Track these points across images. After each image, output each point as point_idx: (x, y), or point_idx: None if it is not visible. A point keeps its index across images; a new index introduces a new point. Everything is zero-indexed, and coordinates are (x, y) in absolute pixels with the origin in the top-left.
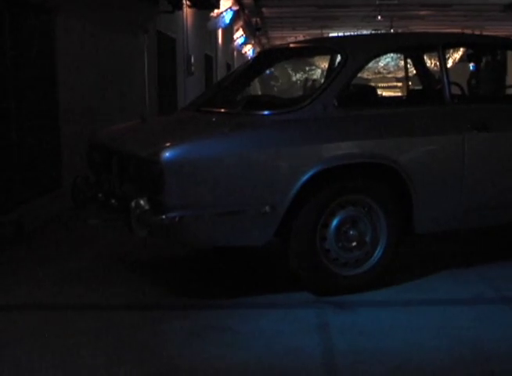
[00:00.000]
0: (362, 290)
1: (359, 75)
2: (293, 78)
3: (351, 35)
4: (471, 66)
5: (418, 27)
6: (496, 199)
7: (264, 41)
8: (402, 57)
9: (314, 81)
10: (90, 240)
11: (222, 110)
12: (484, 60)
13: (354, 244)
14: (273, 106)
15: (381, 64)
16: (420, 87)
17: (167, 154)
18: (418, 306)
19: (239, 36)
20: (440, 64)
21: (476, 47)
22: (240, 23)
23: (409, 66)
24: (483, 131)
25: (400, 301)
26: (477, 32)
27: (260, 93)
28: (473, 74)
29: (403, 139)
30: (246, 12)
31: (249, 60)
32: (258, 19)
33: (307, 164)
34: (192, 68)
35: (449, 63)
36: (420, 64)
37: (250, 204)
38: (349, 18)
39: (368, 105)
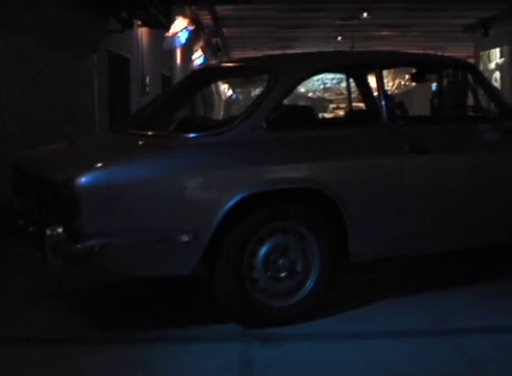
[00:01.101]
0: (293, 322)
1: (310, 95)
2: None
3: (283, 54)
4: (434, 86)
5: (380, 48)
6: (436, 224)
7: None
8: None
9: None
10: (7, 267)
11: (149, 133)
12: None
13: (284, 273)
14: (202, 129)
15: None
16: (358, 108)
17: (82, 179)
18: (351, 339)
19: (198, 56)
20: (377, 84)
21: (419, 66)
22: (201, 43)
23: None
24: (422, 153)
25: (332, 334)
26: (439, 52)
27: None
28: (435, 94)
29: (335, 163)
30: (206, 32)
31: (181, 80)
32: (219, 40)
33: (231, 190)
34: (147, 88)
35: (412, 84)
36: (359, 84)
37: (172, 232)
38: (310, 38)
39: (300, 127)
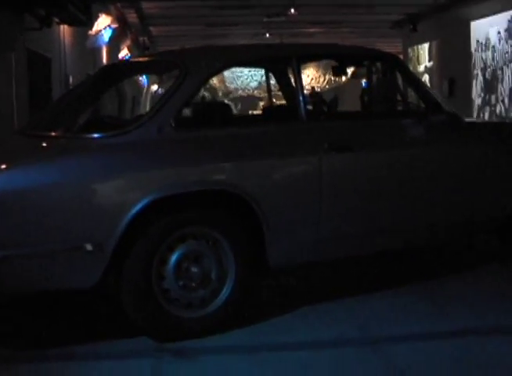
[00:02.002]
0: (208, 333)
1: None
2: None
3: (195, 47)
4: (363, 82)
5: None
6: (362, 227)
7: None
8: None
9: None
10: None
11: (51, 134)
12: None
13: (197, 282)
14: (107, 129)
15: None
16: (276, 104)
17: None
18: (271, 352)
19: (123, 55)
20: (294, 78)
21: (340, 59)
22: (128, 42)
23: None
24: (344, 151)
25: (250, 347)
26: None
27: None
28: (364, 90)
29: (250, 163)
30: (133, 30)
31: (89, 77)
32: (146, 39)
33: (135, 195)
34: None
35: (343, 79)
36: (278, 78)
37: (71, 242)
38: (239, 36)
39: (212, 125)
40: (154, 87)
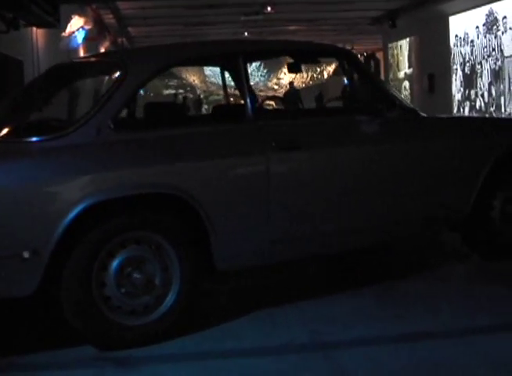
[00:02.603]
0: (152, 342)
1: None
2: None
3: (139, 48)
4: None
5: None
6: (314, 227)
7: None
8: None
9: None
10: None
11: None
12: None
13: (140, 288)
14: (46, 131)
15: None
16: (225, 103)
17: None
18: (216, 359)
19: None
20: (240, 75)
21: (292, 55)
22: (106, 43)
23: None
24: (292, 150)
25: (196, 354)
26: (348, 46)
27: None
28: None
29: (193, 164)
30: (111, 32)
31: (36, 78)
32: (124, 40)
33: (73, 199)
34: None
35: (324, 76)
36: (230, 76)
37: (8, 250)
38: (218, 35)
39: (154, 126)
40: (97, 88)
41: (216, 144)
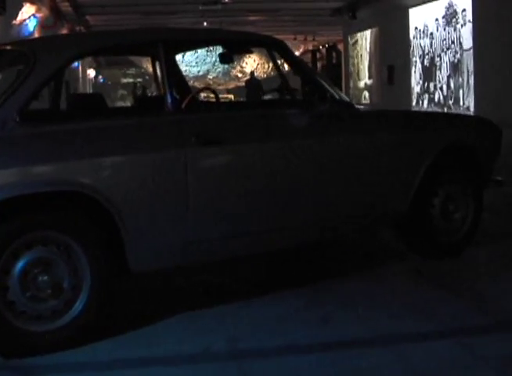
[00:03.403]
0: (62, 348)
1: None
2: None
3: (49, 36)
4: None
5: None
6: (236, 226)
7: None
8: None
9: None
10: None
11: None
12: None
13: (48, 292)
14: None
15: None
16: (147, 94)
17: None
18: (125, 369)
19: None
20: (160, 66)
21: (219, 44)
22: (64, 31)
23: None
24: (213, 144)
25: (106, 363)
26: (309, 37)
27: None
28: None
29: (104, 160)
30: (68, 20)
31: None
32: (83, 28)
33: None
34: None
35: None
36: (153, 66)
37: None
38: (178, 25)
39: (65, 119)
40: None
41: (132, 138)
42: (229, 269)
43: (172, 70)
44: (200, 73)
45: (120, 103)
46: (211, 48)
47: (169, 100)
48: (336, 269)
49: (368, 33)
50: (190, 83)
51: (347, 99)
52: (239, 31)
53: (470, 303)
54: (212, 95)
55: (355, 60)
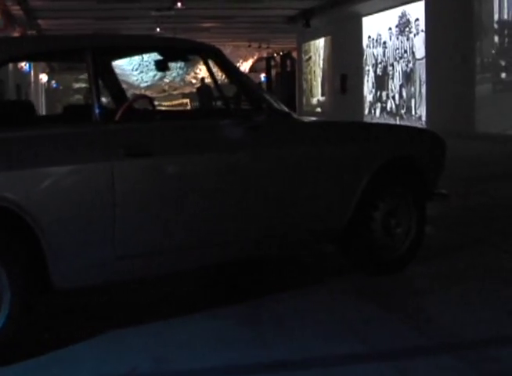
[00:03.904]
0: None
1: None
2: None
3: None
4: (263, 76)
5: (202, 40)
6: (167, 241)
7: None
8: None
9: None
10: None
11: None
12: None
13: None
14: None
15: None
16: (76, 103)
17: None
18: None
19: None
20: (88, 73)
21: (148, 51)
22: (16, 35)
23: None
24: (142, 156)
25: None
26: (264, 45)
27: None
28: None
29: (25, 172)
30: (19, 24)
31: None
32: (35, 33)
33: None
34: None
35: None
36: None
37: None
38: (132, 30)
39: None
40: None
41: (56, 150)
42: (158, 284)
43: (104, 77)
44: (156, 77)
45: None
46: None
47: (97, 110)
48: (273, 285)
49: (321, 47)
50: (143, 88)
51: (285, 109)
52: (173, 38)
53: (409, 323)
54: (150, 104)
55: (308, 76)
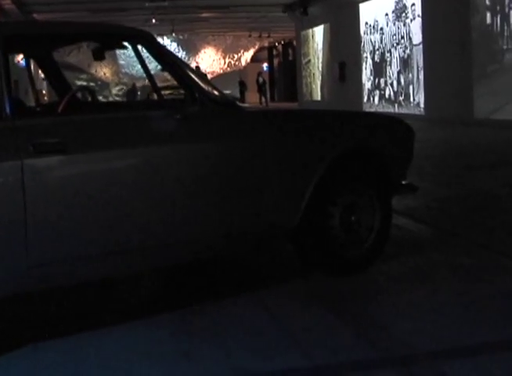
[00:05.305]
0: None
1: None
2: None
3: None
4: (265, 65)
5: (201, 30)
6: (86, 246)
7: None
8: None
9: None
10: None
11: None
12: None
13: None
14: None
15: None
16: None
17: None
18: None
19: None
20: None
21: (74, 39)
22: None
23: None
24: (55, 154)
25: None
26: (264, 34)
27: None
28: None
29: None
30: (12, 18)
31: None
32: None
33: None
34: None
35: (242, 63)
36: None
37: None
38: (129, 22)
39: None
40: None
41: None
42: (90, 290)
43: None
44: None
45: None
46: None
47: (6, 104)
48: (218, 288)
49: (320, 35)
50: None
51: (228, 99)
52: (96, 23)
53: (360, 332)
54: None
55: (308, 80)
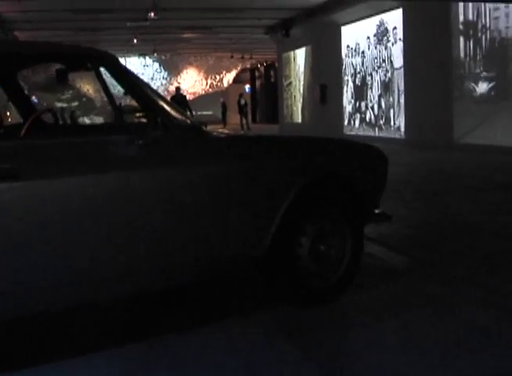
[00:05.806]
0: None
1: None
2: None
3: None
4: (247, 87)
5: (183, 51)
6: (45, 276)
7: None
8: None
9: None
10: None
11: None
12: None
13: None
14: None
15: None
16: None
17: None
18: None
19: None
20: None
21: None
22: None
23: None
24: (8, 180)
25: None
26: (246, 55)
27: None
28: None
29: None
30: None
31: None
32: None
33: None
34: None
35: (224, 84)
36: None
37: None
38: (110, 42)
39: None
40: None
41: None
42: (41, 324)
43: None
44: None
45: None
46: None
47: None
48: (180, 318)
49: (301, 57)
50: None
51: (194, 123)
52: (55, 44)
53: (321, 368)
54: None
55: (289, 102)
